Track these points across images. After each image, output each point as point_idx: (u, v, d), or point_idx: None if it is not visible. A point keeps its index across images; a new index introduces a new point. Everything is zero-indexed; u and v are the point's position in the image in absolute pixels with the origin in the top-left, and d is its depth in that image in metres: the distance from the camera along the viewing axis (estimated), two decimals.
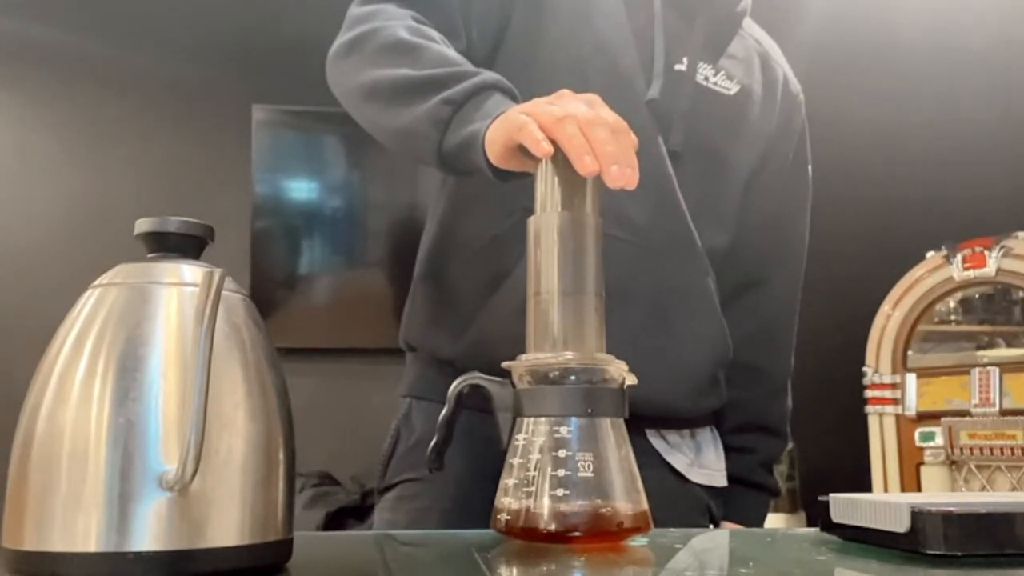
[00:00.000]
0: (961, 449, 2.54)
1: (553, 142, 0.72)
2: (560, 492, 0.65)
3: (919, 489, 2.60)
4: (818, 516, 0.69)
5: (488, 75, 0.88)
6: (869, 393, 2.74)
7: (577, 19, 1.05)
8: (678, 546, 0.72)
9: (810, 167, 1.24)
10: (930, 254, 2.71)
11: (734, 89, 1.11)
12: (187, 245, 0.60)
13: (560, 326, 0.69)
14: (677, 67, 1.06)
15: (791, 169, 1.21)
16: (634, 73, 1.05)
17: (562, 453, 0.66)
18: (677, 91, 1.06)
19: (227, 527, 0.53)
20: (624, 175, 0.70)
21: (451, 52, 0.93)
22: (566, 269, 0.70)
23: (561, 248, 0.70)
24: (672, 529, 0.78)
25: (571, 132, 0.71)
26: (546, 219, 0.72)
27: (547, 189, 0.72)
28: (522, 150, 0.75)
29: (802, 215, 1.23)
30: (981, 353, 2.67)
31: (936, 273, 2.68)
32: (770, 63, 1.18)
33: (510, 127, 0.76)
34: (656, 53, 1.06)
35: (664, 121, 1.05)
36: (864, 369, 2.75)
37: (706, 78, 1.09)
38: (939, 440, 2.58)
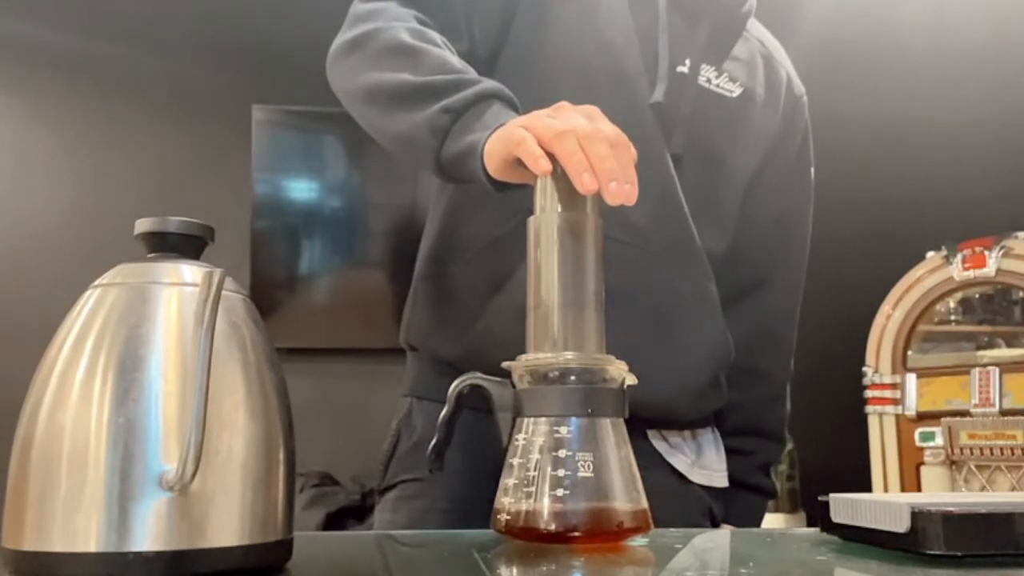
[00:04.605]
0: (961, 449, 2.54)
1: (551, 156, 0.71)
2: (560, 492, 0.65)
3: (919, 489, 2.60)
4: (818, 516, 0.69)
5: (488, 84, 0.87)
6: (869, 393, 2.74)
7: (581, 20, 1.05)
8: (678, 546, 0.72)
9: (813, 169, 1.24)
10: (930, 254, 2.71)
11: (737, 91, 1.11)
12: (187, 245, 0.60)
13: (560, 334, 0.69)
14: (680, 69, 1.06)
15: (794, 171, 1.20)
16: (638, 75, 1.05)
17: (562, 453, 0.66)
18: (680, 94, 1.05)
19: (227, 527, 0.53)
20: (623, 191, 0.70)
21: (452, 57, 0.93)
22: (566, 278, 0.70)
23: (561, 251, 0.70)
24: (672, 529, 0.78)
25: (570, 148, 0.70)
26: (546, 219, 0.72)
27: (546, 201, 0.72)
28: (521, 163, 0.75)
29: (804, 217, 1.23)
30: (981, 353, 2.67)
31: (936, 273, 2.68)
32: (774, 65, 1.18)
33: (509, 141, 0.76)
34: (660, 55, 1.05)
35: (667, 124, 1.05)
36: (864, 369, 2.75)
37: (708, 80, 1.09)
38: (939, 440, 2.58)
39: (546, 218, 0.72)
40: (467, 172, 0.83)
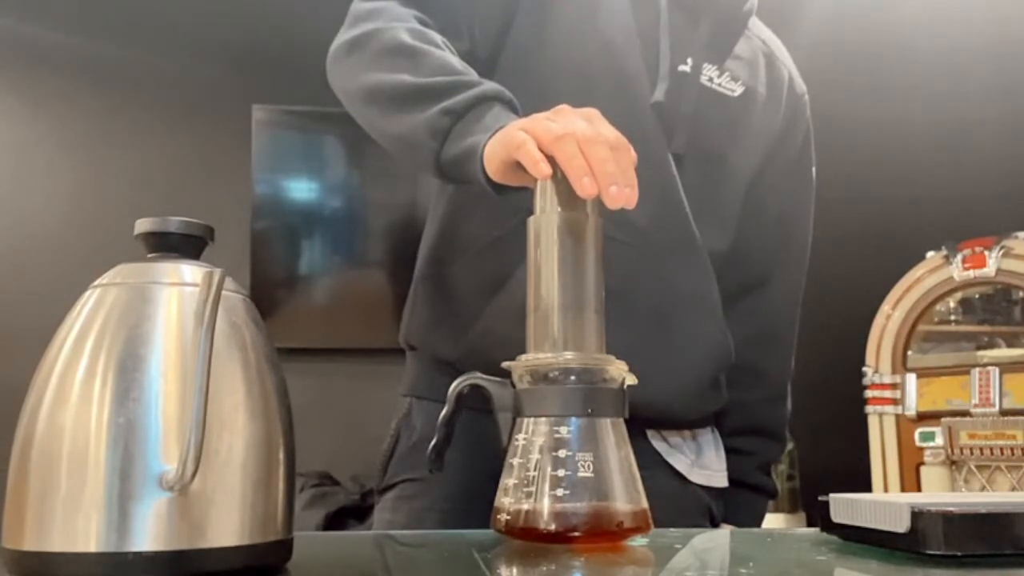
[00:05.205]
0: (961, 449, 2.54)
1: (551, 159, 0.71)
2: (560, 492, 0.65)
3: (919, 489, 2.60)
4: (818, 516, 0.69)
5: (489, 86, 0.87)
6: (869, 393, 2.73)
7: (582, 19, 1.05)
8: (678, 546, 0.72)
9: (814, 168, 1.24)
10: (930, 254, 2.71)
11: (739, 91, 1.11)
12: (187, 245, 0.60)
13: (560, 335, 0.69)
14: (681, 68, 1.06)
15: (795, 170, 1.20)
16: (639, 75, 1.05)
17: (562, 453, 0.67)
18: (681, 93, 1.05)
19: (227, 527, 0.53)
20: (623, 195, 0.70)
21: (453, 59, 0.93)
22: (566, 279, 0.70)
23: (561, 252, 0.70)
24: (672, 529, 0.78)
25: (571, 152, 0.70)
26: (546, 219, 0.72)
27: (546, 203, 0.72)
28: (521, 166, 0.75)
29: (805, 216, 1.23)
30: (981, 353, 2.66)
31: (936, 273, 2.68)
32: (775, 63, 1.18)
33: (509, 144, 0.76)
34: (661, 54, 1.05)
35: (668, 124, 1.05)
36: (864, 369, 2.75)
37: (710, 79, 1.08)
38: (939, 440, 2.58)
39: (546, 218, 0.72)
40: (467, 174, 0.83)
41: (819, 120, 1.25)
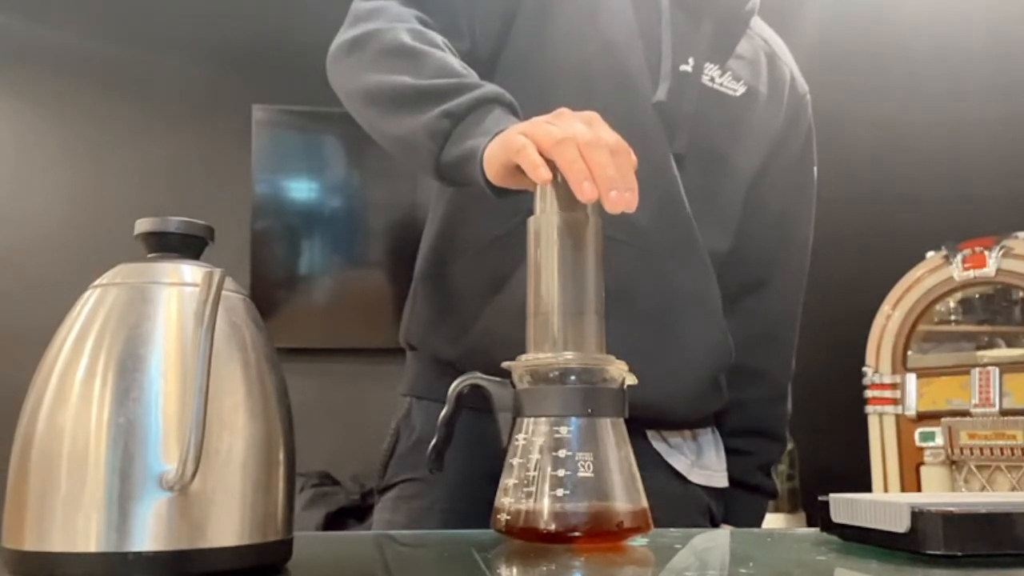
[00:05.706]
0: (961, 449, 2.54)
1: (551, 163, 0.71)
2: (560, 492, 0.65)
3: (919, 489, 2.60)
4: (818, 516, 0.69)
5: (489, 88, 0.87)
6: (869, 393, 2.73)
7: (583, 18, 1.05)
8: (678, 546, 0.72)
9: (815, 168, 1.23)
10: (930, 254, 2.71)
11: (740, 90, 1.11)
12: (187, 245, 0.60)
13: (560, 335, 0.69)
14: (683, 68, 1.06)
15: (797, 169, 1.20)
16: (640, 75, 1.04)
17: (562, 453, 0.67)
18: (683, 93, 1.05)
19: (227, 527, 0.53)
20: (623, 199, 0.70)
21: (453, 60, 0.92)
22: (566, 280, 0.70)
23: (561, 253, 0.70)
24: (672, 529, 0.78)
25: (571, 156, 0.70)
26: (546, 219, 0.72)
27: (546, 206, 0.72)
28: (520, 170, 0.75)
29: (807, 216, 1.23)
30: (981, 353, 2.66)
31: (936, 273, 2.68)
32: (777, 63, 1.17)
33: (508, 148, 0.76)
34: (663, 54, 1.05)
35: (670, 123, 1.05)
36: (864, 369, 2.75)
37: (712, 79, 1.08)
38: (939, 440, 2.58)
39: (546, 219, 0.72)
40: (466, 177, 0.83)
41: (820, 120, 1.25)
